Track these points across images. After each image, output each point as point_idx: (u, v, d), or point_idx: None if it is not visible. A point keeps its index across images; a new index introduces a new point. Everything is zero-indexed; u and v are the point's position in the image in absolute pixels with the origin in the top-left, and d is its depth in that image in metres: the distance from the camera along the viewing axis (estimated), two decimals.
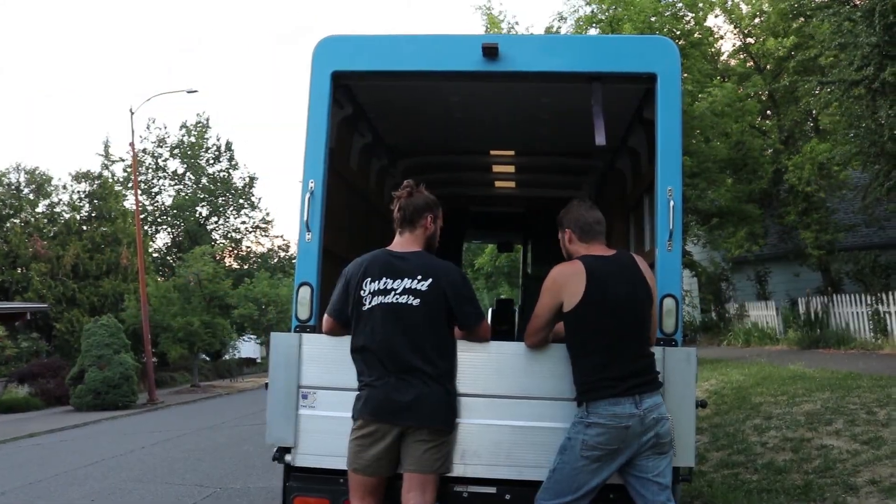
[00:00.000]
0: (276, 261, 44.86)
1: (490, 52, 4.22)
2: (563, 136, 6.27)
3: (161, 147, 41.92)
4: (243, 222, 44.84)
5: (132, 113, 24.70)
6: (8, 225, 29.14)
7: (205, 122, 42.82)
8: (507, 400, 3.74)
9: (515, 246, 13.67)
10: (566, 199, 9.37)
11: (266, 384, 3.91)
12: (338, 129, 5.02)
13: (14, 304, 26.13)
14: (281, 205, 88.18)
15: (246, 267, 41.87)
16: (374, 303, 3.49)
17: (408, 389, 3.42)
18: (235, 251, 44.15)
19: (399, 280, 3.49)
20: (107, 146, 39.38)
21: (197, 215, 42.79)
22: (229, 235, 44.28)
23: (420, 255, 3.58)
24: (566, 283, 3.51)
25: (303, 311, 4.13)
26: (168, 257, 41.62)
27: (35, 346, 26.36)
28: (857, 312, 17.06)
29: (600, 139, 4.38)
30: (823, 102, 16.05)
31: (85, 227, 29.98)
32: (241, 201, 43.95)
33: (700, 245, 23.92)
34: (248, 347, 40.85)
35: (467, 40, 4.51)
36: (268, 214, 66.90)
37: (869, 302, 16.66)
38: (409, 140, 6.61)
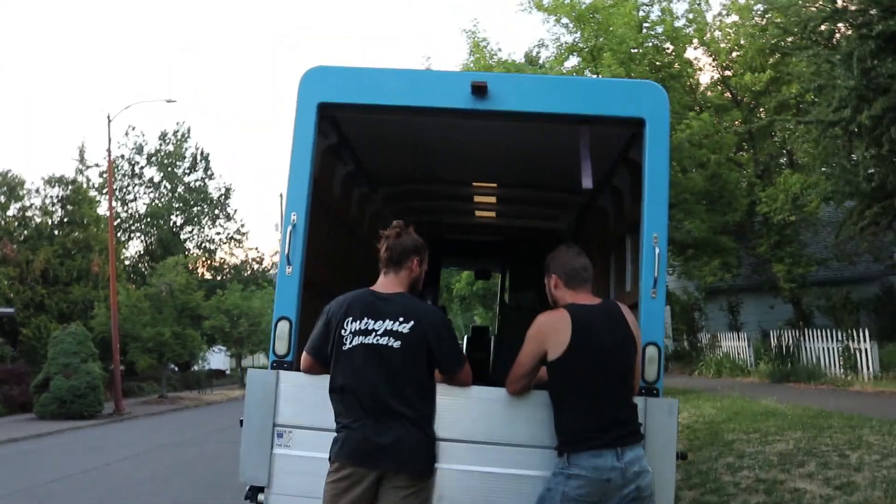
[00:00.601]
0: (248, 273, 44.50)
1: (479, 90, 4.20)
2: (547, 171, 6.28)
3: (139, 154, 41.52)
4: (217, 233, 44.46)
5: (110, 120, 24.39)
6: None
7: (185, 132, 42.50)
8: (486, 446, 3.69)
9: (493, 273, 13.68)
10: (545, 230, 9.43)
11: (241, 420, 3.83)
12: (321, 158, 4.97)
13: None
14: (256, 216, 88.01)
15: (219, 278, 41.48)
16: (354, 343, 3.43)
17: (386, 432, 3.36)
18: (209, 262, 43.75)
19: (381, 321, 3.44)
20: (82, 151, 38.82)
21: (171, 224, 42.35)
22: (203, 245, 43.87)
23: (403, 296, 3.53)
24: (551, 332, 3.47)
25: (280, 346, 4.07)
26: (140, 265, 41.11)
27: (0, 350, 25.86)
28: (828, 348, 17.23)
29: (587, 182, 4.38)
30: (801, 140, 16.28)
31: (56, 233, 29.55)
32: (216, 212, 43.56)
33: (675, 275, 24.10)
34: (217, 359, 40.51)
35: (456, 77, 4.49)
36: (242, 226, 66.53)
37: (840, 338, 16.84)
38: (391, 169, 6.58)
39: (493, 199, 7.86)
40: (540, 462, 3.63)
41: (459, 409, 3.68)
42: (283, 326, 4.08)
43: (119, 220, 39.41)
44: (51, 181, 30.20)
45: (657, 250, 4.02)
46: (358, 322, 3.44)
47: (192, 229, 43.63)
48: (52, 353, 21.11)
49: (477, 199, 7.85)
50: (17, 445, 14.82)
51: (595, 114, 4.25)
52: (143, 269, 39.38)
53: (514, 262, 9.92)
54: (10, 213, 29.79)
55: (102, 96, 77.01)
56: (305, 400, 3.77)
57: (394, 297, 3.51)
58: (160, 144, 41.79)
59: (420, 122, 4.82)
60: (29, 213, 30.06)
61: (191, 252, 41.79)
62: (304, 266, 4.17)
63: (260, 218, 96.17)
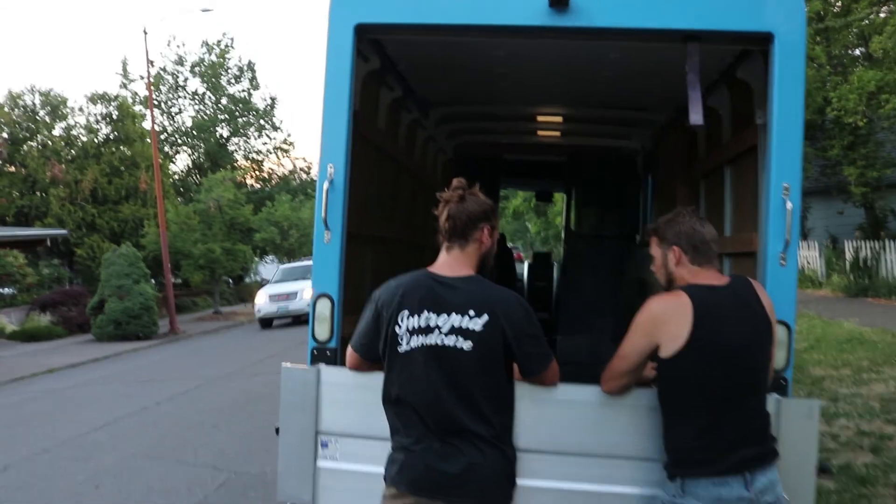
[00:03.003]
0: (297, 182, 44.13)
1: (558, 2, 3.30)
2: (626, 91, 5.36)
3: (181, 65, 40.72)
4: (264, 143, 43.97)
5: (146, 33, 23.68)
6: (25, 148, 28.48)
7: (229, 42, 41.46)
8: (575, 458, 3.00)
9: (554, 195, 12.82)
10: (613, 148, 8.43)
11: (276, 428, 3.18)
12: (362, 86, 4.13)
13: (34, 231, 25.64)
14: (302, 125, 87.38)
15: (267, 189, 41.18)
16: (413, 344, 2.69)
17: (456, 457, 2.65)
18: (257, 173, 43.46)
19: (445, 315, 2.67)
20: (125, 65, 38.31)
21: (217, 136, 41.88)
22: (250, 156, 43.47)
23: (472, 281, 2.75)
24: (667, 322, 2.67)
25: (321, 331, 3.38)
26: (189, 178, 40.96)
27: (56, 272, 26.09)
28: None
29: (696, 117, 3.48)
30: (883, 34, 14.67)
31: (103, 151, 29.26)
32: (262, 122, 42.92)
33: None
34: (269, 270, 40.57)
35: None
36: (289, 136, 66.03)
37: None
38: (445, 92, 5.73)
39: (558, 119, 6.97)
40: (643, 478, 2.95)
41: (543, 414, 2.97)
42: (324, 305, 3.38)
43: (165, 135, 39.05)
44: (94, 98, 29.79)
45: (789, 204, 3.16)
46: (416, 317, 2.69)
47: (239, 141, 43.21)
48: (104, 276, 21.08)
49: (541, 118, 6.97)
50: (74, 374, 14.82)
51: (708, 28, 3.33)
52: (193, 183, 39.21)
53: (579, 184, 9.03)
54: (55, 132, 29.55)
55: (141, 10, 75.80)
56: (354, 402, 3.09)
57: (460, 282, 2.74)
58: (203, 54, 40.91)
59: (482, 42, 3.94)
60: (74, 132, 29.81)
61: (238, 164, 41.42)
62: (345, 230, 3.42)
63: (306, 126, 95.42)
